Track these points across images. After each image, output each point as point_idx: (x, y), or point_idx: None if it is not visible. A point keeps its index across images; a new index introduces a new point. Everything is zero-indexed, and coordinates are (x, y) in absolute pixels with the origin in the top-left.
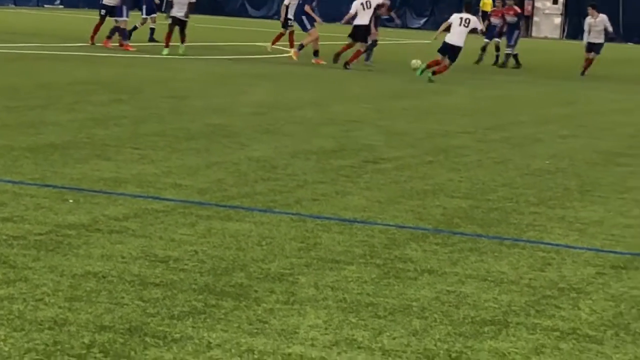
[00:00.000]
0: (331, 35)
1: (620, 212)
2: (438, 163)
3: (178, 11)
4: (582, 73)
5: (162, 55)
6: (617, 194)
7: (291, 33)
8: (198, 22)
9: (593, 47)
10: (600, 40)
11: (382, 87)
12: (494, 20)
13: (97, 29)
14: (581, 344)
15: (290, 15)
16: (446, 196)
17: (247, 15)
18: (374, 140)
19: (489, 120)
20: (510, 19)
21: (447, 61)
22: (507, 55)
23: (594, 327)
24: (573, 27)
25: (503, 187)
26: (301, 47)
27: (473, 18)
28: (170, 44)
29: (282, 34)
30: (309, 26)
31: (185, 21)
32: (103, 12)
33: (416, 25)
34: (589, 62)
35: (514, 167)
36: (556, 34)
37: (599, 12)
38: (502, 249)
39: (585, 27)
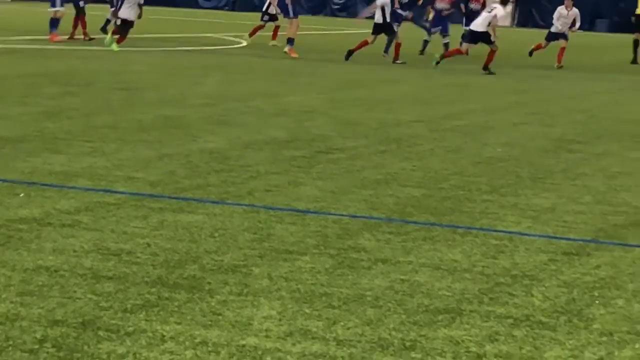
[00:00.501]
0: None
1: (572, 198)
2: (391, 152)
3: (128, 12)
4: (530, 53)
5: (114, 50)
6: (568, 181)
7: (272, 27)
8: (149, 14)
9: (556, 36)
10: (565, 31)
11: (334, 77)
12: (438, 5)
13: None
14: (534, 331)
15: (271, 10)
16: (399, 185)
17: (198, 6)
18: (327, 131)
19: (441, 109)
20: (443, 6)
21: (464, 47)
22: (446, 45)
23: (547, 313)
24: (524, 16)
25: (455, 176)
26: (291, 41)
27: (498, 6)
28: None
29: (277, 27)
30: (291, 14)
31: (133, 22)
32: (81, 3)
33: (366, 15)
34: (540, 46)
35: (467, 156)
36: (507, 22)
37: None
38: (455, 237)
39: (556, 15)
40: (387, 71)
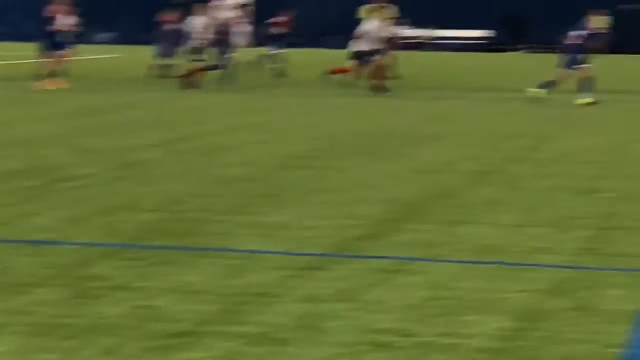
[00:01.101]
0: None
1: (310, 214)
2: (129, 178)
3: None
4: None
5: None
6: (306, 197)
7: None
8: None
9: (369, 54)
10: (378, 45)
11: (70, 104)
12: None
13: None
14: (272, 347)
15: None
16: (138, 210)
17: None
18: (63, 159)
19: (179, 130)
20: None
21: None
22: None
23: (285, 329)
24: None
25: (194, 197)
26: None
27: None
28: None
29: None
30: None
31: None
32: None
33: (102, 40)
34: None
35: (205, 177)
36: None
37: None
38: (194, 259)
39: (362, 31)
40: (125, 97)
